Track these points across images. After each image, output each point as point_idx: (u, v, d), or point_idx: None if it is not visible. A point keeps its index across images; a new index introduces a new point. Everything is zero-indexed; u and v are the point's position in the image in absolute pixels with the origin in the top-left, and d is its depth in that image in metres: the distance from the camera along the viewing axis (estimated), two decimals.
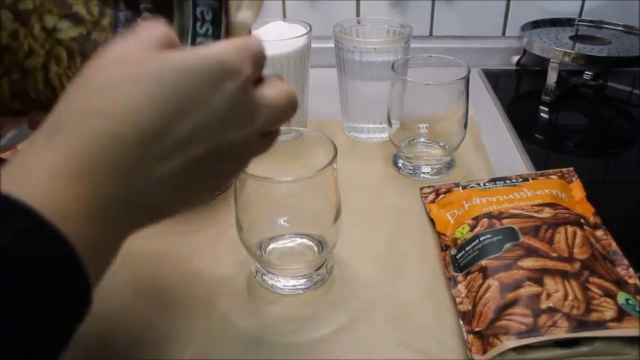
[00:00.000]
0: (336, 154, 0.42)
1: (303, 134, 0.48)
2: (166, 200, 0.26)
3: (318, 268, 0.47)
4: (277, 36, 0.64)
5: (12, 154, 0.61)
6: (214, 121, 0.25)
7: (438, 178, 0.61)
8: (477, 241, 0.46)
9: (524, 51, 0.90)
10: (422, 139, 0.62)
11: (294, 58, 0.64)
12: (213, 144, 0.25)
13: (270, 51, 0.66)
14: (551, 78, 0.80)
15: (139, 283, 0.47)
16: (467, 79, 0.57)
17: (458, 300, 0.43)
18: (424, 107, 0.60)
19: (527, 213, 0.47)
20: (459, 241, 0.48)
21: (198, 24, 0.33)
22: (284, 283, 0.46)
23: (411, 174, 0.62)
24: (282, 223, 0.46)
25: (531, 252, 0.43)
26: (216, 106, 0.25)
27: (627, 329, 0.37)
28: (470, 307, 0.42)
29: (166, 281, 0.48)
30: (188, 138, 0.24)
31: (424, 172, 0.62)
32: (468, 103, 0.59)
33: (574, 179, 0.55)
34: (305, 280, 0.46)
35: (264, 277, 0.47)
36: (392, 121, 0.61)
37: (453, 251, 0.48)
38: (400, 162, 0.63)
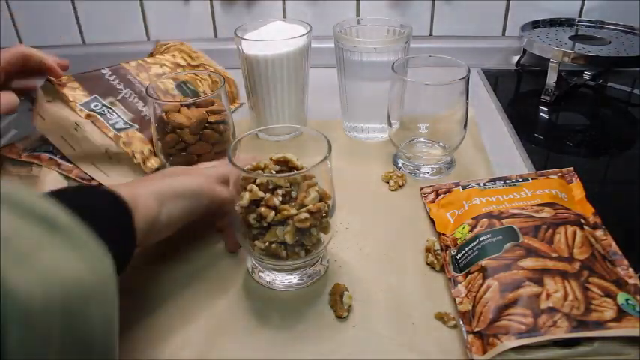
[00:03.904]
0: (330, 151, 0.43)
1: (302, 133, 0.49)
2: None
3: (314, 264, 0.47)
4: (277, 36, 0.64)
5: (10, 152, 0.61)
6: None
7: (438, 178, 0.61)
8: (477, 241, 0.46)
9: (524, 51, 0.90)
10: (422, 139, 0.62)
11: (294, 58, 0.64)
12: None
13: (270, 51, 0.66)
14: (551, 78, 0.80)
15: (137, 284, 0.47)
16: (467, 79, 0.57)
17: (458, 300, 0.43)
18: (424, 107, 0.60)
19: (527, 213, 0.47)
20: (459, 241, 0.48)
21: None
22: (280, 278, 0.46)
23: (411, 174, 0.62)
24: None
25: (531, 252, 0.43)
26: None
27: (627, 329, 0.37)
28: (470, 307, 0.42)
29: (163, 281, 0.48)
30: None
31: (424, 172, 0.62)
32: (467, 103, 0.59)
33: (574, 179, 0.55)
34: (300, 275, 0.47)
35: (260, 274, 0.47)
36: (392, 121, 0.61)
37: (453, 251, 0.48)
38: (400, 162, 0.63)
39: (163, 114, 0.55)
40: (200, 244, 0.52)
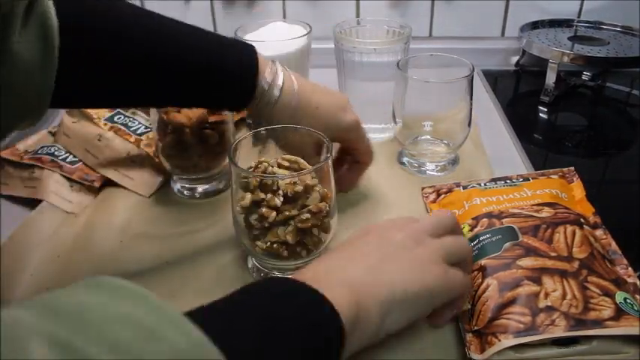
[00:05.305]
0: (331, 152, 0.43)
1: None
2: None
3: None
4: (277, 36, 0.64)
5: (11, 154, 0.61)
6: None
7: (444, 174, 0.61)
8: (477, 240, 0.46)
9: (524, 51, 0.91)
10: (426, 137, 0.62)
11: (294, 59, 0.64)
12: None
13: (270, 51, 0.66)
14: (550, 78, 0.80)
15: (139, 284, 0.47)
16: (471, 78, 0.57)
17: None
18: (428, 105, 0.60)
19: (527, 212, 0.48)
20: None
21: None
22: None
23: (417, 171, 0.62)
24: None
25: (530, 251, 0.43)
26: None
27: (625, 328, 0.37)
28: (469, 306, 0.42)
29: (163, 280, 0.48)
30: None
31: (429, 170, 0.62)
32: (471, 102, 0.59)
33: (575, 179, 0.55)
34: None
35: (262, 274, 0.47)
36: (396, 119, 0.62)
37: None
38: (405, 159, 0.64)
39: (163, 114, 0.55)
40: (200, 243, 0.52)
